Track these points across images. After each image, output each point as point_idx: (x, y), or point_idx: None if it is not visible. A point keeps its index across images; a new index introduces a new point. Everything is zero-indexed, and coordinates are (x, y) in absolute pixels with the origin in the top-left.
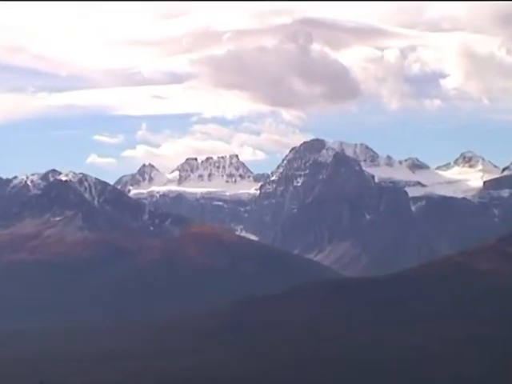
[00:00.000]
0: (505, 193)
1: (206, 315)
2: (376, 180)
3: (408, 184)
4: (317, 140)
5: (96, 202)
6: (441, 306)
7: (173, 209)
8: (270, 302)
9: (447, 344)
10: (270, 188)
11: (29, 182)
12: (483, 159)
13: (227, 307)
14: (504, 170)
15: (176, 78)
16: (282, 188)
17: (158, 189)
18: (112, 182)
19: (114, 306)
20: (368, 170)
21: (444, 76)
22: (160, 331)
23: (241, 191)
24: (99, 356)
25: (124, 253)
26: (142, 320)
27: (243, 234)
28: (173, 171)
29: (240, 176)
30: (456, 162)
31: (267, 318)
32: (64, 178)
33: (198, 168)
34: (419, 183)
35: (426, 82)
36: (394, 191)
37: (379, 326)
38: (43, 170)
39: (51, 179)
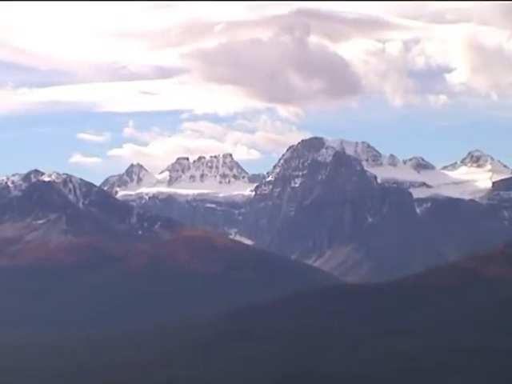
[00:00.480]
0: None
1: (200, 324)
2: (379, 181)
3: (413, 185)
4: (315, 138)
5: (81, 204)
6: (448, 314)
7: (163, 211)
8: (267, 310)
9: (454, 355)
10: (265, 189)
11: (9, 183)
12: (492, 158)
13: (222, 315)
14: None
15: (165, 73)
16: (278, 189)
17: (146, 190)
18: (98, 183)
19: (100, 313)
20: (370, 170)
21: (450, 70)
22: (150, 340)
23: (235, 193)
24: (85, 367)
25: (111, 258)
26: (129, 329)
27: (237, 238)
28: (162, 171)
29: (234, 176)
30: (463, 162)
31: (263, 327)
32: (47, 179)
33: (189, 168)
34: (424, 184)
35: (430, 77)
36: (397, 192)
37: (382, 336)
38: (25, 171)
39: (33, 180)
